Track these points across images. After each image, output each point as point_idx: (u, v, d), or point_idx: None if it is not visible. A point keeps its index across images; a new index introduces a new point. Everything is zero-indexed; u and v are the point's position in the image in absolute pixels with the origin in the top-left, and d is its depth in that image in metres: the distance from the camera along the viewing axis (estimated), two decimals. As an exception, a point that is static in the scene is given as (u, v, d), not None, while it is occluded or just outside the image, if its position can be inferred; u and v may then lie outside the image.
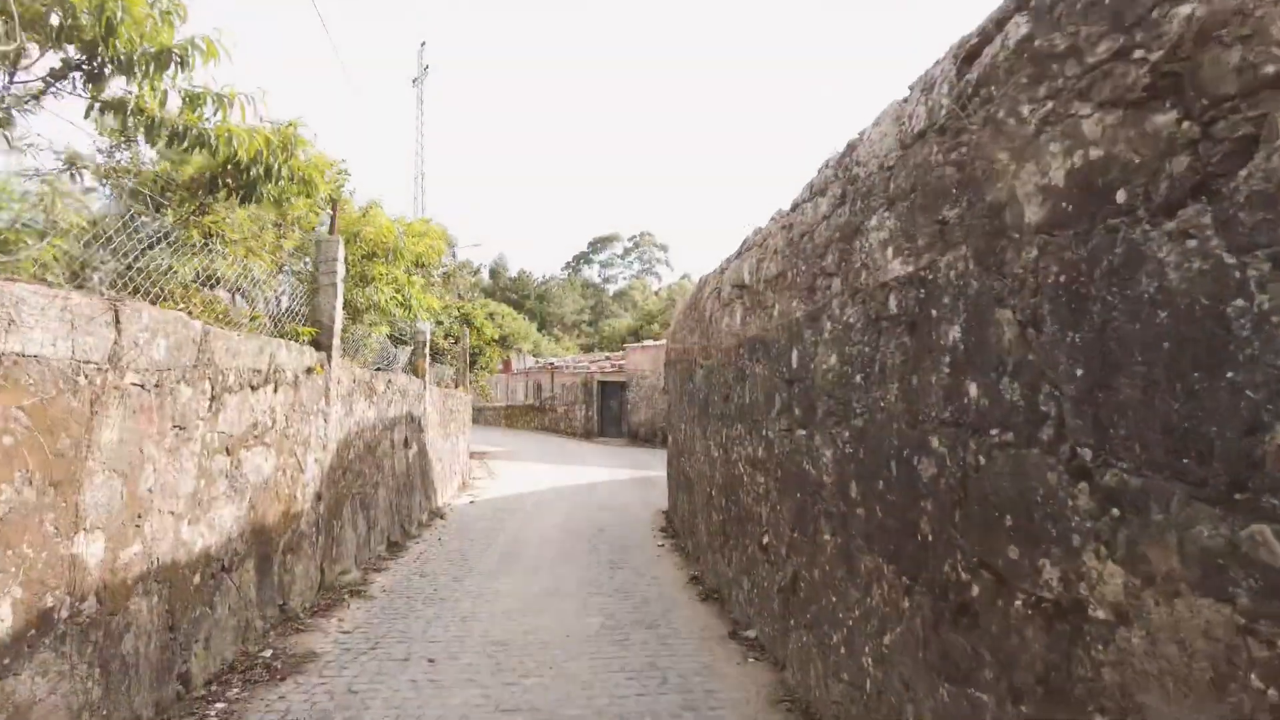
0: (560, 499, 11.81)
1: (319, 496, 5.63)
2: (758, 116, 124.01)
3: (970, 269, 2.12)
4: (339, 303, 5.74)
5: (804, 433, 3.58)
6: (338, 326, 5.78)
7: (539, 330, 55.00)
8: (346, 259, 6.88)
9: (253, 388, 4.37)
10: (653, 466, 16.86)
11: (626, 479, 14.79)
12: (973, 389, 2.09)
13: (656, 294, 60.50)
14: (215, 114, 3.74)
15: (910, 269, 2.49)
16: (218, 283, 4.87)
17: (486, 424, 36.83)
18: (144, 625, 3.23)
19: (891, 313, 2.62)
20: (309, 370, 5.30)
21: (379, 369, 8.36)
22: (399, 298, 7.52)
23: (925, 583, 2.37)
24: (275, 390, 4.71)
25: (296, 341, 5.11)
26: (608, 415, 28.20)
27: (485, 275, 67.37)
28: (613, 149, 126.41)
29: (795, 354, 3.69)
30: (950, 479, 2.21)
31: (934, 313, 2.32)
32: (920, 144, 2.43)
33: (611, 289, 74.22)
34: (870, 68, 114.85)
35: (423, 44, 55.75)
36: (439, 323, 13.73)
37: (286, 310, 5.45)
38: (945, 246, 2.27)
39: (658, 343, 27.50)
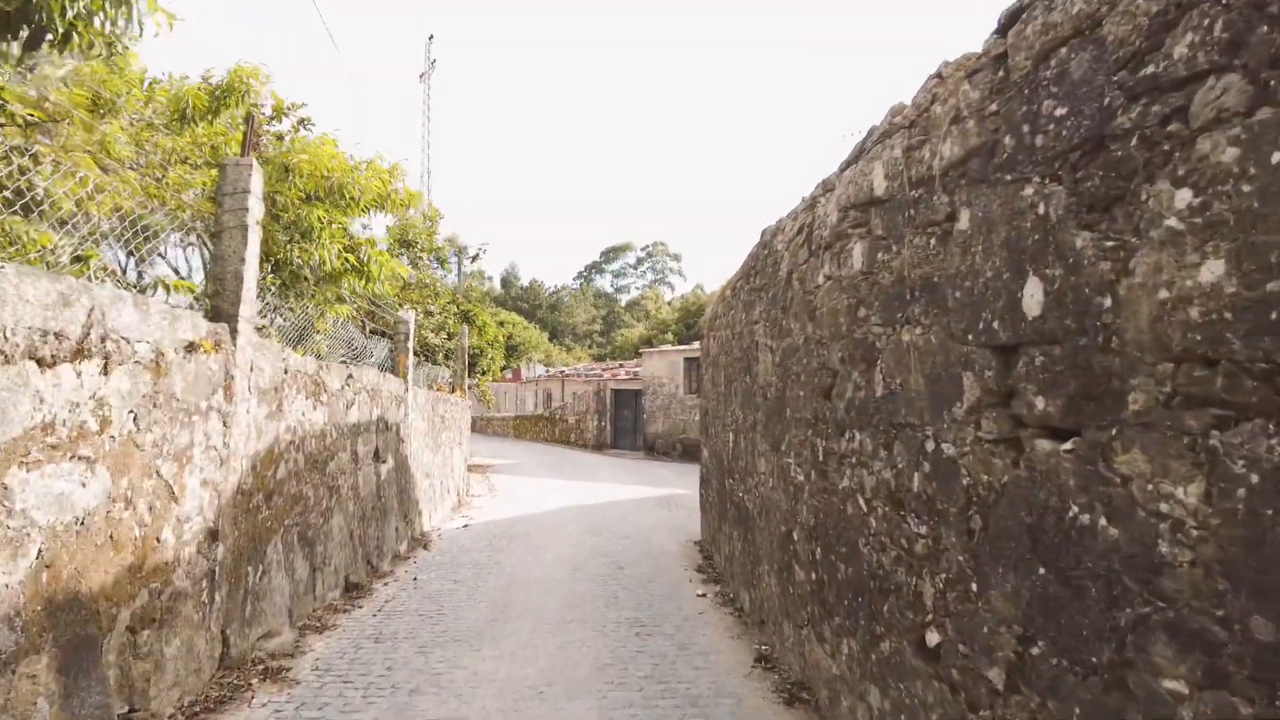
0: (569, 522, 9.96)
1: (214, 535, 3.83)
2: (773, 120, 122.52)
3: None
4: (251, 253, 3.95)
5: (1064, 447, 1.74)
6: (249, 289, 3.98)
7: (550, 340, 53.46)
8: (278, 202, 5.11)
9: (41, 362, 2.58)
10: (673, 483, 14.97)
11: (645, 498, 12.91)
12: None
13: (669, 304, 58.59)
14: None
15: None
16: (36, 207, 3.10)
17: (494, 434, 35.11)
18: None
19: None
20: (191, 347, 3.51)
21: (342, 363, 6.59)
22: (351, 259, 5.66)
23: None
24: (106, 371, 2.92)
25: (163, 299, 3.32)
26: (621, 426, 26.31)
27: (497, 284, 66.10)
28: (626, 157, 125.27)
29: (1034, 289, 1.86)
30: None
31: None
32: None
33: (624, 299, 72.46)
34: (875, 67, 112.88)
35: (430, 37, 54.16)
36: (428, 313, 11.92)
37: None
38: None
39: (676, 348, 25.70)
